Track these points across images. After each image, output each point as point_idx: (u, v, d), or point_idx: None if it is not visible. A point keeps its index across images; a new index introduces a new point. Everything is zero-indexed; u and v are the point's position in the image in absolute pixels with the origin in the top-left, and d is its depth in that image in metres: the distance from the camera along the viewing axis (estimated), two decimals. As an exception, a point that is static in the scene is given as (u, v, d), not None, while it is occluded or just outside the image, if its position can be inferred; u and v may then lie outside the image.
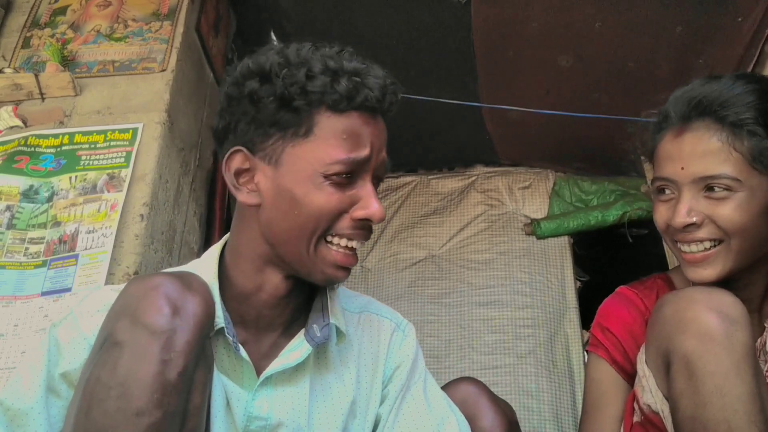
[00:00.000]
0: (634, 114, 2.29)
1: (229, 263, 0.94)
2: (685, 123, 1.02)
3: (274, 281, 0.91)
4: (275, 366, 0.90)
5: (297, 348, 0.91)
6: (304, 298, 0.97)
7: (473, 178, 3.01)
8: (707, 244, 1.00)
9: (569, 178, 2.92)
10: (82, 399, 0.72)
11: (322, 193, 0.84)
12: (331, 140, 0.84)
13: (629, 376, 1.11)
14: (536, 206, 2.88)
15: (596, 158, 2.79)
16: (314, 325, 0.93)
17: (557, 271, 2.74)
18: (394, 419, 0.97)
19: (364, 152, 0.85)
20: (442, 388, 1.06)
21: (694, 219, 0.99)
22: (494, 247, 2.81)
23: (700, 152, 0.99)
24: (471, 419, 1.00)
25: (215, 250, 0.97)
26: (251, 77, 0.86)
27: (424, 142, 2.79)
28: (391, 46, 2.28)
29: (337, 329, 0.96)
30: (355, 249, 0.90)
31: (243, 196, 0.89)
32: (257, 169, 0.87)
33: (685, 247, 1.02)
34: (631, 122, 2.32)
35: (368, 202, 0.86)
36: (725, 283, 1.01)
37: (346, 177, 0.85)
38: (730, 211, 0.97)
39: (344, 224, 0.87)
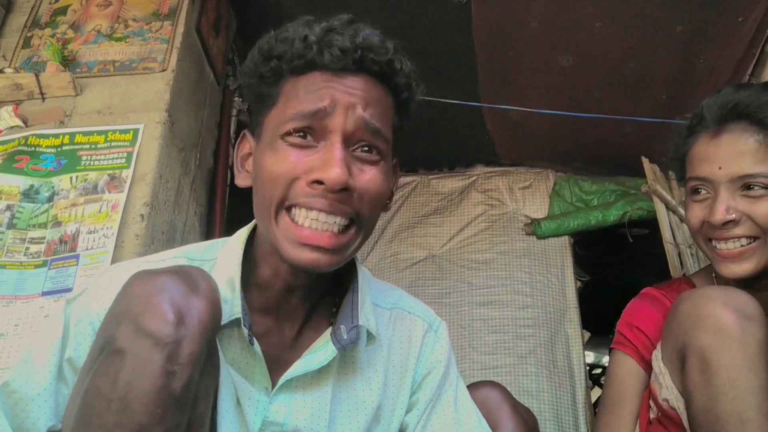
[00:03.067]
0: (634, 114, 2.30)
1: (255, 248, 0.90)
2: (721, 125, 1.07)
3: (285, 267, 0.85)
4: (297, 369, 0.85)
5: (321, 349, 0.86)
6: (325, 287, 0.92)
7: (473, 178, 3.01)
8: (744, 241, 1.05)
9: (569, 177, 2.92)
10: (80, 409, 0.68)
11: (277, 155, 0.79)
12: (289, 102, 0.80)
13: None
14: (536, 206, 2.88)
15: (596, 158, 2.79)
16: (342, 326, 0.87)
17: (557, 271, 2.74)
18: (422, 431, 0.94)
19: (320, 104, 0.78)
20: None
21: (733, 216, 1.03)
22: (494, 247, 2.81)
23: (737, 152, 1.03)
24: (491, 426, 0.98)
25: (243, 233, 0.91)
26: (254, 56, 0.86)
27: (424, 142, 2.79)
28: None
29: (368, 331, 0.90)
30: (331, 230, 0.79)
31: (238, 179, 0.88)
32: (254, 151, 0.86)
33: (721, 245, 1.07)
34: (630, 122, 2.32)
35: (326, 163, 0.77)
36: (748, 281, 1.04)
37: (303, 135, 0.79)
38: (767, 208, 1.02)
39: (299, 190, 0.78)
